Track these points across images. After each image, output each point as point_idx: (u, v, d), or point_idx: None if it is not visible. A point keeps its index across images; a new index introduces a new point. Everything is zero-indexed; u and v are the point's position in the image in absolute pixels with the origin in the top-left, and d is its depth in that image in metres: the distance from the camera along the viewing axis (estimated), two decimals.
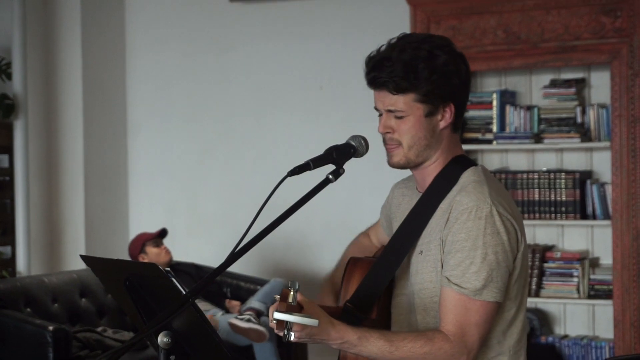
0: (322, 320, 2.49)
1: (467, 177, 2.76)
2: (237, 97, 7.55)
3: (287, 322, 2.38)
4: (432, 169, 2.80)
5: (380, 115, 2.80)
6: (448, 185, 2.77)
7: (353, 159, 2.72)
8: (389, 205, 3.05)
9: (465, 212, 2.66)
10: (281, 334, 2.41)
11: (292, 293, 2.42)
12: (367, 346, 2.56)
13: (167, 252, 6.68)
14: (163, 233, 6.72)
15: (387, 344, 2.56)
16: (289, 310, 2.39)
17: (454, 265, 2.65)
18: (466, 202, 2.67)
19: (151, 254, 6.57)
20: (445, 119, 2.75)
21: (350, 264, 2.90)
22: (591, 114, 6.22)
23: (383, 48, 2.75)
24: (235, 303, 6.51)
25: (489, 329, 2.68)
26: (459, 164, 2.80)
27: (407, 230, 2.81)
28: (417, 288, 2.76)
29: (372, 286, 2.78)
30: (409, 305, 2.79)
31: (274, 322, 2.39)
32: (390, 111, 2.75)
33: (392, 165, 2.81)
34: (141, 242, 6.63)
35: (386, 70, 2.71)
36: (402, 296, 2.82)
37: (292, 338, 2.42)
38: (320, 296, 3.06)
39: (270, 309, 2.46)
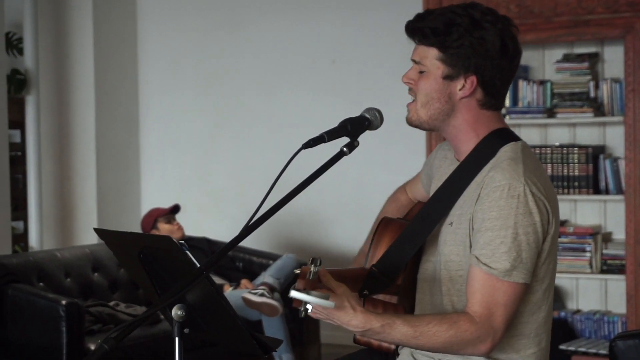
0: (345, 306, 2.48)
1: (504, 152, 2.72)
2: (249, 73, 7.54)
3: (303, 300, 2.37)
4: (465, 139, 2.77)
5: None
6: (486, 158, 2.73)
7: (367, 132, 2.71)
8: (430, 165, 3.02)
9: (498, 190, 2.62)
10: (301, 309, 2.40)
11: (312, 269, 2.40)
12: (391, 333, 2.53)
13: (180, 228, 6.68)
14: (175, 209, 6.71)
15: (412, 330, 2.54)
16: (307, 287, 2.37)
17: (484, 244, 2.61)
18: (499, 179, 2.63)
19: (163, 230, 6.56)
20: (464, 89, 2.71)
21: (381, 225, 2.88)
22: (604, 89, 6.19)
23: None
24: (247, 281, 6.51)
25: (516, 311, 2.65)
26: (499, 137, 2.76)
27: (440, 199, 2.79)
28: (444, 259, 2.74)
29: (399, 252, 2.77)
30: (434, 272, 2.79)
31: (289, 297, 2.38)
32: (416, 62, 2.75)
33: (408, 121, 2.80)
34: (153, 218, 6.63)
35: (422, 20, 2.72)
36: (429, 263, 2.82)
37: (308, 313, 2.41)
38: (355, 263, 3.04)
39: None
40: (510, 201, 2.61)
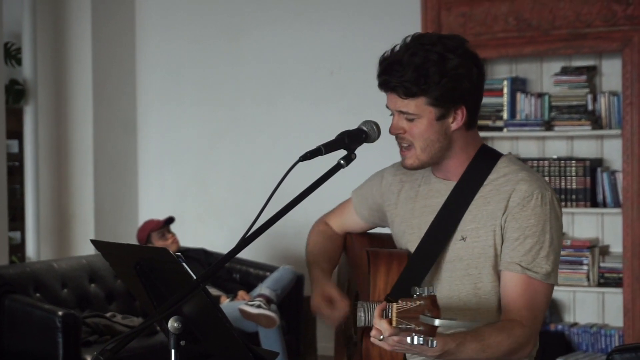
0: None
1: (507, 165, 2.81)
2: (248, 83, 7.54)
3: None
4: (459, 161, 2.83)
5: (392, 115, 2.81)
6: (482, 175, 2.81)
7: (364, 144, 2.72)
8: (380, 194, 3.07)
9: (532, 199, 2.72)
10: (422, 339, 2.31)
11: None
12: (464, 351, 2.55)
13: (174, 241, 6.65)
14: (169, 221, 6.70)
15: (480, 344, 2.58)
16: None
17: (525, 252, 2.70)
18: (530, 189, 2.73)
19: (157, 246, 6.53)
20: (457, 121, 2.76)
21: (371, 257, 2.88)
22: (602, 102, 6.19)
23: (396, 49, 2.76)
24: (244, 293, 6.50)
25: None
26: (487, 154, 2.86)
27: (444, 220, 2.82)
28: (458, 274, 2.78)
29: (411, 278, 2.79)
30: (440, 292, 2.79)
31: (435, 325, 2.28)
32: (401, 112, 2.76)
33: (406, 167, 2.84)
34: (147, 233, 6.61)
35: (396, 74, 2.71)
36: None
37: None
38: (322, 280, 3.05)
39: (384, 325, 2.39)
40: (544, 208, 2.72)
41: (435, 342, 2.31)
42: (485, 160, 2.82)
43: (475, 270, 2.76)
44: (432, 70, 2.68)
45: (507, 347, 2.62)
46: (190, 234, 7.38)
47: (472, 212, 2.78)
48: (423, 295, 2.33)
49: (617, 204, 6.13)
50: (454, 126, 2.76)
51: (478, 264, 2.76)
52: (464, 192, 2.81)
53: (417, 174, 2.94)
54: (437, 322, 2.28)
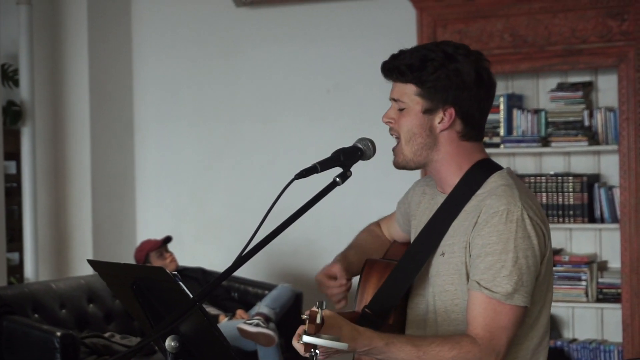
0: (348, 329, 2.47)
1: (495, 181, 2.74)
2: (244, 102, 7.55)
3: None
4: (449, 172, 2.79)
5: None
6: (472, 189, 2.75)
7: (360, 161, 2.72)
8: (408, 203, 3.04)
9: (497, 215, 2.64)
10: (307, 355, 2.38)
11: (319, 315, 2.40)
12: (395, 352, 2.52)
13: (173, 260, 6.66)
14: (167, 240, 6.70)
15: (415, 349, 2.54)
16: (317, 331, 2.37)
17: (485, 269, 2.63)
18: (497, 205, 2.66)
19: (156, 265, 6.54)
20: (443, 122, 2.73)
21: (367, 266, 2.89)
22: (599, 117, 6.20)
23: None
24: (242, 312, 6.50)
25: (516, 333, 2.66)
26: (484, 168, 2.79)
27: (429, 234, 2.80)
28: (438, 290, 2.75)
29: (391, 291, 2.77)
30: (426, 306, 2.79)
31: (302, 343, 2.36)
32: (395, 100, 2.77)
33: (395, 164, 2.81)
34: (145, 253, 6.62)
35: (397, 59, 2.75)
36: (419, 297, 2.82)
37: (318, 358, 2.39)
38: (333, 261, 3.05)
39: (298, 331, 2.42)
40: (510, 225, 2.63)
41: (315, 358, 2.36)
42: (478, 174, 2.77)
43: (451, 286, 2.72)
44: (431, 63, 2.70)
45: (449, 359, 2.55)
46: (189, 253, 7.38)
47: (454, 227, 2.75)
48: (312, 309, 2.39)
49: (614, 219, 6.13)
50: (440, 127, 2.74)
51: (454, 280, 2.71)
52: (451, 206, 2.78)
53: (436, 187, 2.90)
54: (304, 338, 2.33)
